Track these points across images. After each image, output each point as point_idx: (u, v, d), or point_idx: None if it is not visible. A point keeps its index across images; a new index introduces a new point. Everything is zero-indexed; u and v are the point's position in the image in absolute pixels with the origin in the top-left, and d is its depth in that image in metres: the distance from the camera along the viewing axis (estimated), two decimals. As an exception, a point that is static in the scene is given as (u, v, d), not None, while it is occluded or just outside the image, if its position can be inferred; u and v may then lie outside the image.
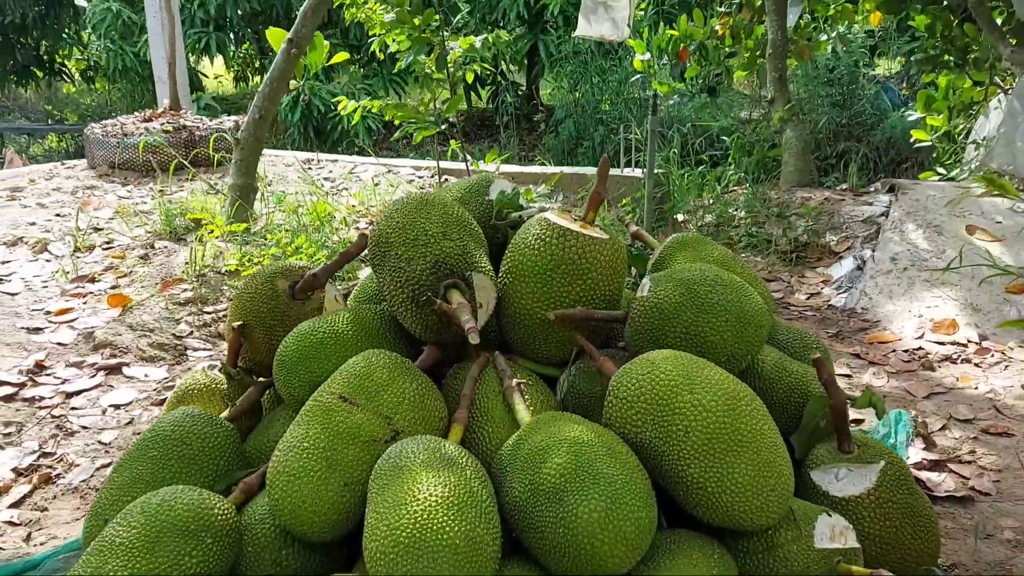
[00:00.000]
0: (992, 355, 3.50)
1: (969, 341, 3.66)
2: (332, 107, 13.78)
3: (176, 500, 1.78)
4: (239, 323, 2.27)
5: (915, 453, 2.71)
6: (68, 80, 20.97)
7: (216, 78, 20.75)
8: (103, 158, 6.30)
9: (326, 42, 4.60)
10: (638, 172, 5.62)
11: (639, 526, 1.57)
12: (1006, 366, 3.41)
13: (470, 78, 5.28)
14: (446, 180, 5.88)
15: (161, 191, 5.79)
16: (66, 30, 19.18)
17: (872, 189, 5.65)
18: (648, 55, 8.31)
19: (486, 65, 5.49)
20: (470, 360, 2.12)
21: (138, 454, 2.04)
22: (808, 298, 4.22)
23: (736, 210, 5.16)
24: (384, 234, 2.09)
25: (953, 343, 3.66)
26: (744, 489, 1.65)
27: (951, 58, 7.99)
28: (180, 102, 7.01)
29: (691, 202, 5.41)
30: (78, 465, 2.58)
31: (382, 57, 13.44)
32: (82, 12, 17.90)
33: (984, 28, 5.70)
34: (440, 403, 1.95)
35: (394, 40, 4.85)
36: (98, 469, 2.56)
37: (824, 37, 8.47)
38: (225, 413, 2.23)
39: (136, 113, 6.96)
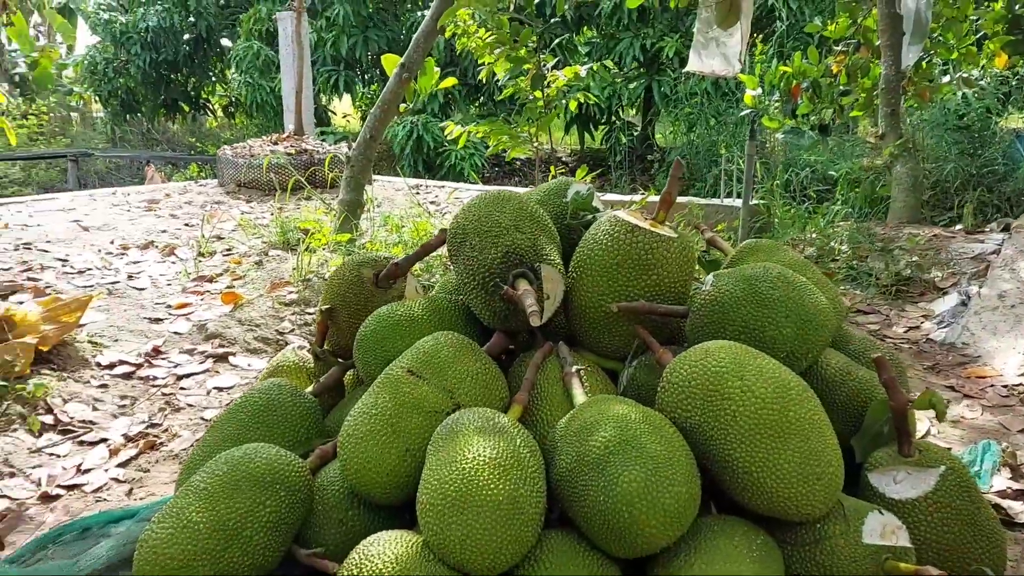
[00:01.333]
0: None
1: (1075, 382, 3.49)
2: (443, 142, 14.28)
3: (256, 454, 1.94)
4: (327, 307, 2.44)
5: (1000, 482, 2.61)
6: (211, 115, 22.48)
7: (344, 116, 21.80)
8: (231, 177, 6.76)
9: (436, 68, 4.84)
10: (739, 203, 5.60)
11: (677, 499, 1.61)
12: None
13: (573, 106, 5.44)
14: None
15: (280, 208, 6.16)
16: (211, 68, 20.61)
17: (987, 229, 5.44)
18: (759, 91, 8.28)
19: (591, 95, 5.62)
20: (536, 349, 2.21)
21: (228, 417, 2.22)
22: (906, 331, 4.11)
23: (839, 243, 5.08)
24: (461, 226, 2.22)
25: (1058, 384, 3.49)
26: (789, 476, 1.67)
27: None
28: (304, 128, 7.45)
29: (793, 235, 5.36)
30: (180, 436, 2.81)
31: (485, 83, 13.82)
32: (227, 51, 19.21)
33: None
34: (502, 384, 2.05)
35: (494, 63, 5.04)
36: (197, 439, 2.78)
37: (947, 79, 8.22)
38: (309, 388, 2.39)
39: (264, 137, 7.44)
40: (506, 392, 2.05)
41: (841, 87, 7.99)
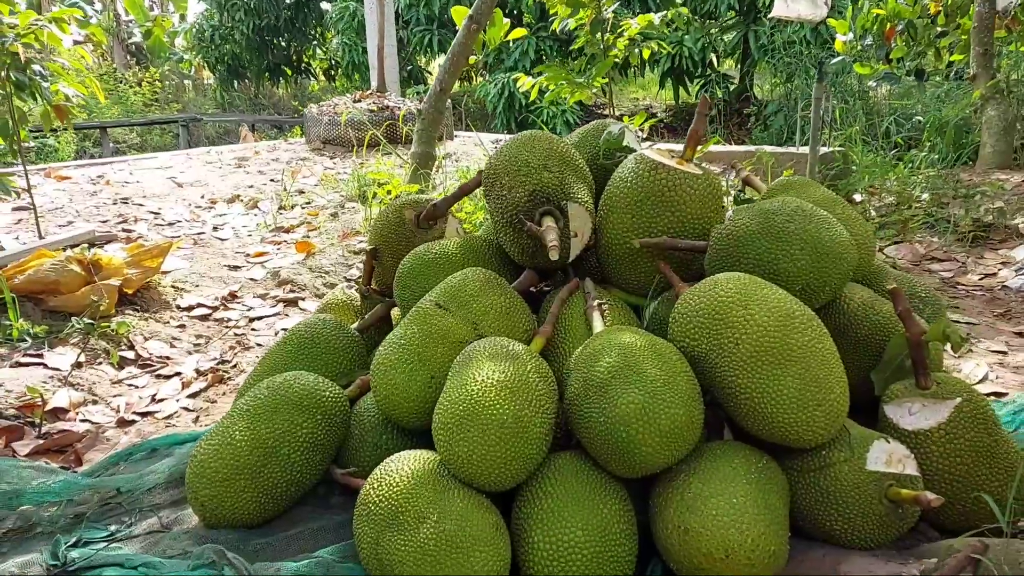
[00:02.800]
0: None
1: None
2: (535, 100, 14.27)
3: (295, 380, 2.09)
4: (372, 247, 2.57)
5: (1054, 426, 2.54)
6: (313, 78, 23.05)
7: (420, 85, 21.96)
8: (316, 134, 7.00)
9: (505, 19, 4.88)
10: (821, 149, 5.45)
11: (674, 421, 1.67)
12: None
13: (647, 54, 5.38)
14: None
15: (361, 163, 6.35)
16: (311, 31, 21.10)
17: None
18: (851, 35, 7.96)
19: (664, 44, 5.55)
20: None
21: (277, 349, 2.38)
22: (981, 279, 3.96)
23: (919, 191, 4.90)
24: (493, 166, 2.30)
25: None
26: (789, 402, 1.70)
27: None
28: (387, 85, 7.62)
29: (873, 183, 5.19)
30: (246, 371, 3.01)
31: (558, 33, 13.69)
32: (326, 14, 19.61)
33: None
34: (528, 318, 2.13)
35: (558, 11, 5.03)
36: (260, 374, 2.99)
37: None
38: (355, 324, 2.53)
39: (348, 95, 7.66)
40: (532, 325, 2.13)
41: (939, 29, 7.60)
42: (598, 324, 2.05)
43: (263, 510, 1.99)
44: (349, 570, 1.79)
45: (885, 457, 1.74)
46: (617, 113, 15.48)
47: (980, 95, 5.46)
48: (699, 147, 2.27)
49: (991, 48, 5.66)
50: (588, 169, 2.38)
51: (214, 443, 1.99)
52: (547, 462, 1.79)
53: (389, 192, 4.49)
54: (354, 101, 7.29)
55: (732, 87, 15.25)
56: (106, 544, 1.96)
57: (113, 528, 2.04)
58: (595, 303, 2.10)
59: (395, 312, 2.65)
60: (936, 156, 5.46)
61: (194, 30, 19.84)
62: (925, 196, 4.82)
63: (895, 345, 1.97)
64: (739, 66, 15.48)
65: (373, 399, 2.18)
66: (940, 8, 7.48)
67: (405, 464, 1.78)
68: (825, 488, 1.75)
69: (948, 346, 1.88)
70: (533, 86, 5.32)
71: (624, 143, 2.43)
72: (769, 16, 7.52)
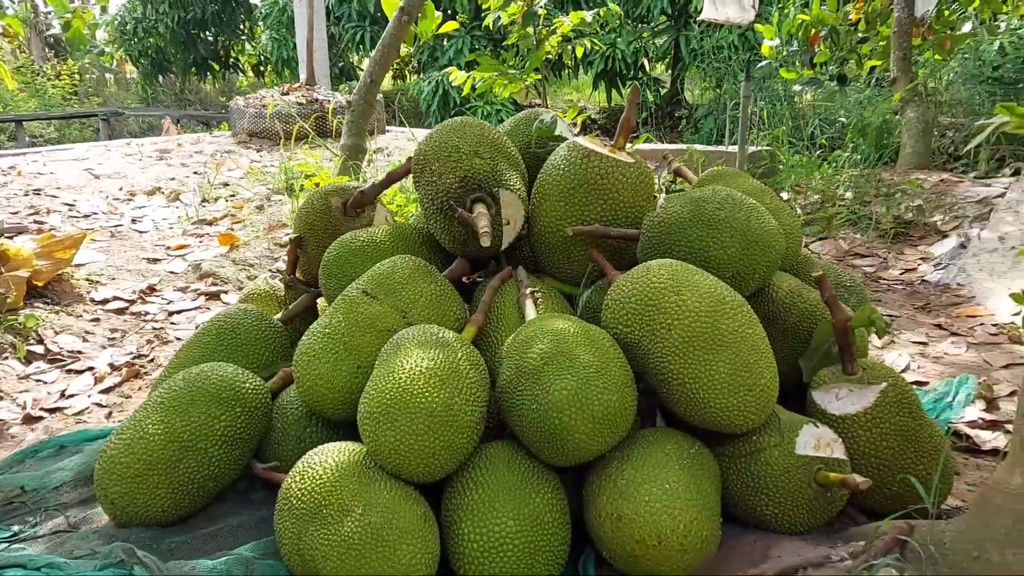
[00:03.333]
0: (1088, 336, 3.29)
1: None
2: (470, 97, 14.19)
3: (213, 371, 2.00)
4: (296, 236, 2.48)
5: (973, 412, 2.60)
6: (241, 73, 22.53)
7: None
8: (242, 127, 6.82)
9: (437, 12, 4.82)
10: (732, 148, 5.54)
11: (607, 407, 1.64)
12: (1103, 347, 3.19)
13: (580, 52, 5.37)
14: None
15: (290, 156, 6.22)
16: (239, 26, 20.61)
17: (999, 175, 5.33)
18: (777, 41, 8.12)
19: (596, 42, 5.55)
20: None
21: (195, 340, 2.28)
22: (902, 273, 4.07)
23: (843, 189, 5.01)
24: (422, 152, 2.24)
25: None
26: (720, 387, 1.69)
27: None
28: (315, 78, 7.48)
29: (798, 182, 5.29)
30: (164, 365, 2.89)
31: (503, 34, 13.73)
32: (254, 8, 19.20)
33: None
34: (459, 307, 2.08)
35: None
36: (180, 369, 2.87)
37: (969, 27, 7.97)
38: (278, 315, 2.44)
39: (276, 87, 7.48)
40: (463, 314, 2.08)
41: (860, 35, 7.81)
42: (531, 312, 2.01)
43: (179, 507, 1.90)
44: (270, 567, 1.71)
45: (814, 441, 1.74)
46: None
47: (900, 98, 5.62)
48: (631, 138, 2.25)
49: (910, 52, 5.83)
50: (520, 157, 2.34)
51: (125, 438, 1.89)
52: (478, 452, 1.75)
53: (317, 184, 4.39)
54: (282, 94, 7.13)
55: (663, 91, 15.45)
56: (8, 545, 1.84)
57: (16, 528, 1.92)
58: (528, 291, 2.06)
59: (321, 302, 2.57)
60: (859, 156, 5.60)
61: (116, 23, 19.19)
62: (848, 194, 4.93)
63: (822, 332, 1.98)
64: (670, 70, 15.69)
65: (296, 391, 2.10)
66: (861, 15, 7.68)
67: (329, 456, 1.72)
68: (756, 473, 1.75)
69: (873, 332, 1.90)
70: (466, 80, 5.26)
71: (556, 132, 2.40)
72: (699, 19, 7.62)
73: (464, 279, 2.29)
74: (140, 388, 2.74)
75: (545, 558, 1.63)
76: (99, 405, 2.60)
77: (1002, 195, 4.66)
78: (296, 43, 15.46)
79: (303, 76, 7.50)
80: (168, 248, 4.07)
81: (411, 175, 2.33)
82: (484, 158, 2.18)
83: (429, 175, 2.19)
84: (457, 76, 5.29)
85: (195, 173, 5.68)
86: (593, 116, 17.16)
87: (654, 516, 1.59)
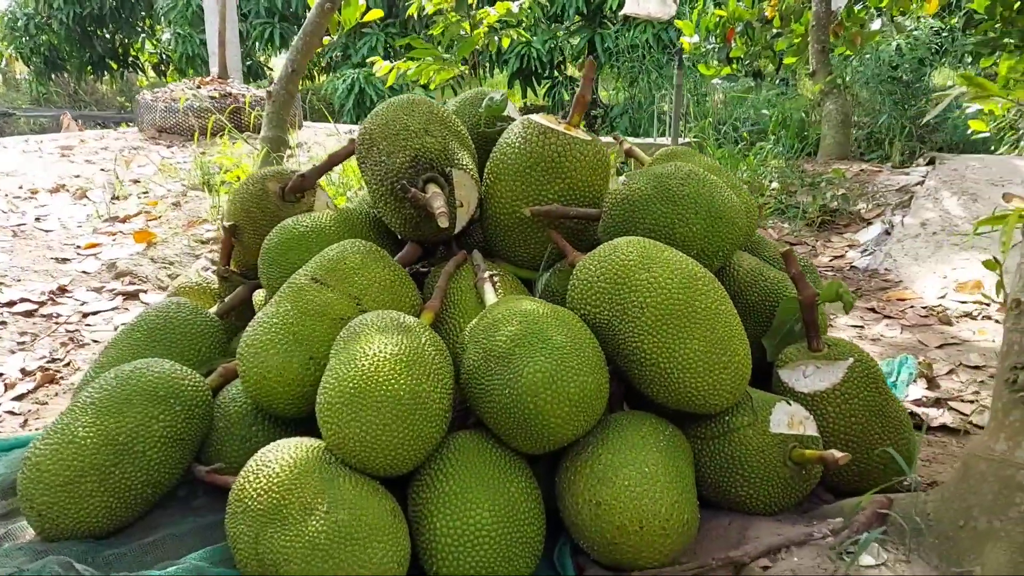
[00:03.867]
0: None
1: (992, 300, 3.55)
2: (386, 94, 13.98)
3: (148, 368, 1.85)
4: (230, 224, 2.33)
5: (916, 391, 2.64)
6: (141, 73, 21.63)
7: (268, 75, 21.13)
8: (151, 122, 6.51)
9: (360, 1, 4.68)
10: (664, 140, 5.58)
11: (583, 389, 1.57)
12: (1029, 323, 3.30)
13: (506, 43, 5.31)
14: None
15: (203, 152, 5.96)
16: (139, 23, 19.80)
17: (914, 164, 5.52)
18: (696, 37, 8.24)
19: (522, 32, 5.50)
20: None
21: (124, 337, 2.11)
22: (831, 260, 4.14)
23: (769, 180, 5.09)
24: (368, 131, 2.12)
25: (975, 302, 3.55)
26: (696, 365, 1.64)
27: (1011, 40, 7.74)
28: (229, 72, 7.20)
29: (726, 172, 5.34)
30: (81, 369, 2.68)
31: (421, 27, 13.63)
32: (155, 4, 18.46)
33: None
34: (413, 292, 1.98)
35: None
36: (101, 372, 2.67)
37: (878, 24, 8.25)
38: (213, 308, 2.29)
39: (186, 80, 7.18)
40: (418, 300, 1.98)
41: (775, 30, 7.99)
42: (490, 296, 1.92)
43: (114, 516, 1.74)
44: (223, 575, 1.58)
45: (787, 419, 1.71)
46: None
47: (820, 90, 5.76)
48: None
49: (827, 46, 5.98)
50: (469, 137, 2.25)
51: (52, 442, 1.72)
52: (445, 442, 1.65)
53: (238, 178, 4.20)
54: (193, 87, 6.84)
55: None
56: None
57: (-72, 548, 1.72)
58: (486, 275, 1.97)
59: (258, 295, 2.42)
60: (781, 148, 5.71)
61: (5, 19, 18.18)
62: (775, 185, 5.01)
63: (785, 311, 1.96)
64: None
65: (239, 387, 1.96)
66: (776, 12, 7.86)
67: (284, 453, 1.59)
68: (730, 454, 1.70)
69: (840, 306, 1.88)
70: (390, 70, 5.14)
71: (505, 112, 2.32)
72: (621, 13, 7.66)
73: (417, 267, 2.18)
74: (57, 394, 2.53)
75: (522, 550, 1.54)
76: (11, 413, 2.39)
77: (920, 183, 4.80)
78: (206, 38, 14.98)
79: (215, 70, 7.22)
80: (78, 247, 3.81)
81: (355, 156, 2.21)
82: (435, 136, 2.08)
83: (377, 155, 2.07)
84: (382, 66, 5.16)
85: (102, 170, 5.37)
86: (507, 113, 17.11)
87: (634, 501, 1.53)
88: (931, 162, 5.22)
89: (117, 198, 4.66)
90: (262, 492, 1.53)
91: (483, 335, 1.69)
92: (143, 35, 20.28)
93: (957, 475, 1.47)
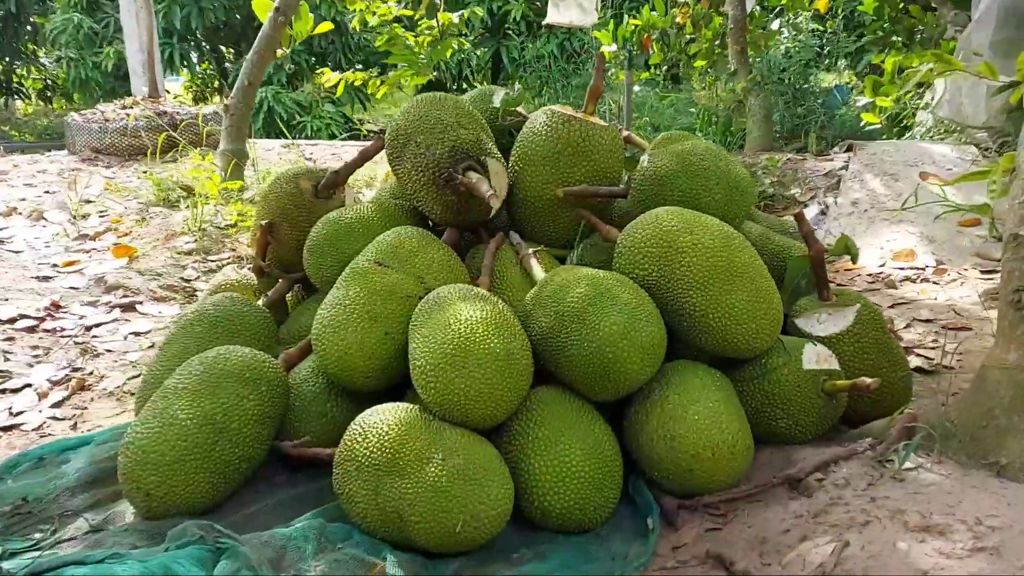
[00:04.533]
0: (949, 274, 3.80)
1: (927, 266, 3.95)
2: (296, 112, 13.93)
3: (231, 353, 1.97)
4: (267, 222, 2.45)
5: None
6: (25, 100, 20.73)
7: (176, 98, 20.61)
8: (85, 143, 6.40)
9: (311, 14, 4.79)
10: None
11: (652, 338, 1.79)
12: (962, 283, 3.70)
13: (449, 54, 5.50)
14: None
15: (145, 171, 5.94)
16: (23, 48, 19.01)
17: (831, 153, 5.97)
18: (615, 46, 8.62)
19: (463, 41, 5.70)
20: (486, 243, 2.32)
21: (183, 332, 2.21)
22: (777, 239, 4.49)
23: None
24: (402, 127, 2.29)
25: (912, 268, 3.95)
26: (741, 314, 1.88)
27: (899, 39, 8.38)
28: (158, 90, 7.14)
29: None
30: (109, 376, 2.74)
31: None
32: (40, 28, 17.77)
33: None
34: (464, 271, 2.15)
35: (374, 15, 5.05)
36: (130, 379, 2.72)
37: (776, 25, 8.77)
38: (261, 300, 2.41)
39: (115, 102, 7.08)
40: (467, 278, 2.15)
41: (688, 36, 8.43)
42: (537, 270, 2.12)
43: (215, 492, 1.86)
44: (340, 528, 1.72)
45: (815, 358, 1.96)
46: (375, 128, 15.49)
47: (742, 88, 6.17)
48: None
49: (745, 47, 6.40)
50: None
51: (153, 426, 1.83)
52: (529, 396, 1.83)
53: (204, 196, 4.24)
54: (123, 108, 6.76)
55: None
56: (39, 553, 1.73)
57: (37, 536, 1.80)
58: (530, 251, 2.17)
59: (288, 296, 2.54)
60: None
61: None
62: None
63: (794, 268, 2.22)
64: (489, 81, 16.10)
65: (308, 370, 2.10)
66: (687, 19, 8.30)
67: (387, 415, 1.75)
68: (769, 391, 1.94)
69: (848, 258, 2.16)
70: (339, 81, 5.26)
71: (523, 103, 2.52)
72: (544, 23, 7.94)
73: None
74: (93, 399, 2.58)
75: (609, 482, 1.75)
76: (55, 419, 2.44)
77: (844, 168, 5.24)
78: (100, 63, 14.57)
79: (143, 88, 7.15)
80: (54, 265, 3.80)
81: (386, 152, 2.37)
82: (468, 129, 2.27)
83: (415, 148, 2.24)
84: (332, 76, 5.28)
85: (47, 192, 5.29)
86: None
87: (705, 432, 1.76)
88: (849, 148, 5.68)
89: (76, 217, 4.63)
90: (375, 449, 1.69)
91: (551, 300, 1.88)
92: (27, 61, 19.47)
93: (974, 385, 1.76)
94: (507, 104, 2.52)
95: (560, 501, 1.70)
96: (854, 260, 2.19)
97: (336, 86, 5.24)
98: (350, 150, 7.00)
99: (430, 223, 2.39)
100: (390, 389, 2.01)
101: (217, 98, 17.86)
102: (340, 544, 1.69)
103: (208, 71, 17.15)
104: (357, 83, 5.19)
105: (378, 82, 5.18)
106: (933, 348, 2.91)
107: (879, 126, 7.75)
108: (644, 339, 1.78)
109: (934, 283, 3.77)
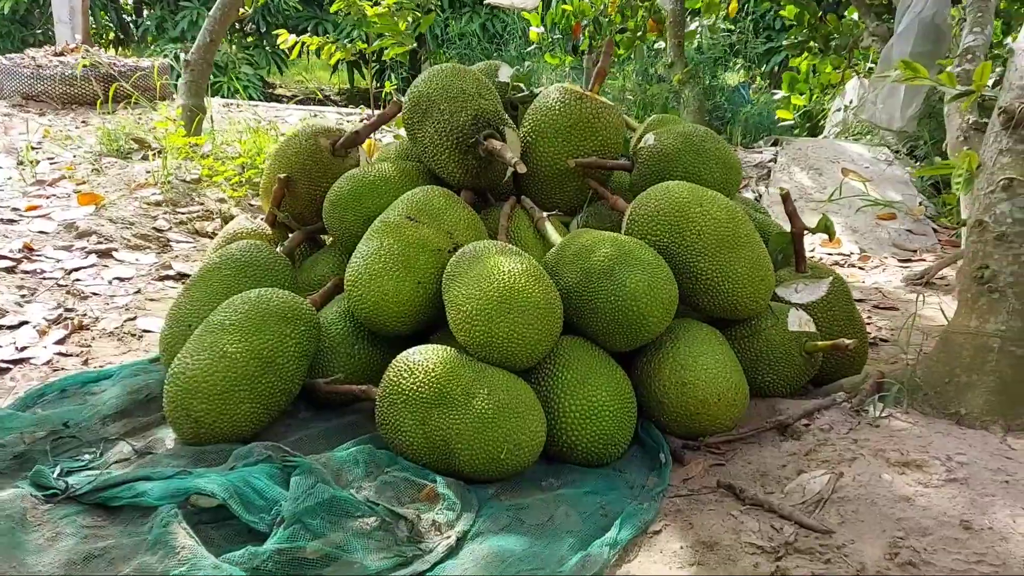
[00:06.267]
0: (872, 261, 4.20)
1: (851, 252, 4.35)
2: (212, 74, 13.58)
3: (272, 295, 2.09)
4: (285, 175, 2.56)
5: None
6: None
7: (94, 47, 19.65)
8: (15, 89, 6.18)
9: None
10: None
11: (671, 295, 2.02)
12: (884, 269, 4.10)
13: (403, 26, 5.57)
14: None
15: (84, 121, 5.80)
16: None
17: (758, 145, 6.38)
18: (542, 28, 8.82)
19: (417, 14, 5.78)
20: (495, 207, 2.50)
21: (211, 274, 2.31)
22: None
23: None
24: (425, 94, 2.44)
25: (839, 254, 4.34)
26: (742, 279, 2.12)
27: (815, 44, 8.90)
28: (89, 39, 6.93)
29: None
30: (106, 317, 2.78)
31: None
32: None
33: (856, 6, 6.52)
34: (485, 229, 2.33)
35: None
36: (128, 320, 2.77)
37: (694, 26, 9.10)
38: (280, 248, 2.51)
39: (45, 47, 6.83)
40: (487, 235, 2.32)
41: (618, 25, 8.71)
42: (552, 232, 2.32)
43: (258, 422, 2.00)
44: (386, 454, 1.88)
45: (798, 321, 2.24)
46: (290, 93, 15.26)
47: (678, 80, 6.49)
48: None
49: (682, 40, 6.72)
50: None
51: (203, 359, 1.94)
52: (557, 343, 2.03)
53: (158, 149, 4.22)
54: (55, 55, 6.54)
55: (404, 75, 15.81)
56: (97, 471, 1.82)
57: (87, 458, 1.90)
58: (544, 215, 2.37)
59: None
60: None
61: None
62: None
63: (776, 242, 2.49)
64: (413, 57, 16.05)
65: (334, 314, 2.24)
66: (615, 9, 8.58)
67: (431, 354, 1.92)
68: (759, 349, 2.21)
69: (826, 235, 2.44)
70: (296, 44, 5.29)
71: (531, 79, 2.70)
72: (485, 2, 8.07)
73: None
74: (94, 338, 2.63)
75: (629, 420, 1.97)
76: (63, 355, 2.48)
77: (772, 160, 5.62)
78: (53, 2, 13.87)
79: (77, 36, 6.92)
80: (16, 209, 3.74)
81: (404, 115, 2.51)
82: (487, 99, 2.44)
83: (438, 115, 2.40)
84: (288, 39, 5.29)
85: (-19, 136, 5.12)
86: (333, 97, 17.09)
87: (713, 380, 2.00)
88: (775, 143, 6.08)
89: (24, 163, 4.53)
90: (422, 384, 1.85)
91: (576, 259, 2.08)
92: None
93: (938, 347, 2.06)
94: (517, 79, 2.70)
95: (586, 436, 1.91)
96: (831, 237, 2.47)
97: (293, 48, 5.25)
98: (295, 113, 7.00)
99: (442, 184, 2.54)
100: (412, 335, 2.18)
101: (113, 51, 17.16)
102: (387, 468, 1.85)
103: (105, 22, 16.38)
104: (313, 48, 5.22)
105: (333, 48, 5.22)
106: (868, 324, 3.25)
107: (792, 122, 8.25)
108: (664, 295, 2.00)
109: (859, 268, 4.16)
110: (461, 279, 1.99)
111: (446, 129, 2.38)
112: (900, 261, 4.26)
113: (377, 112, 3.82)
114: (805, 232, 2.43)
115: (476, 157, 2.37)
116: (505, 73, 2.78)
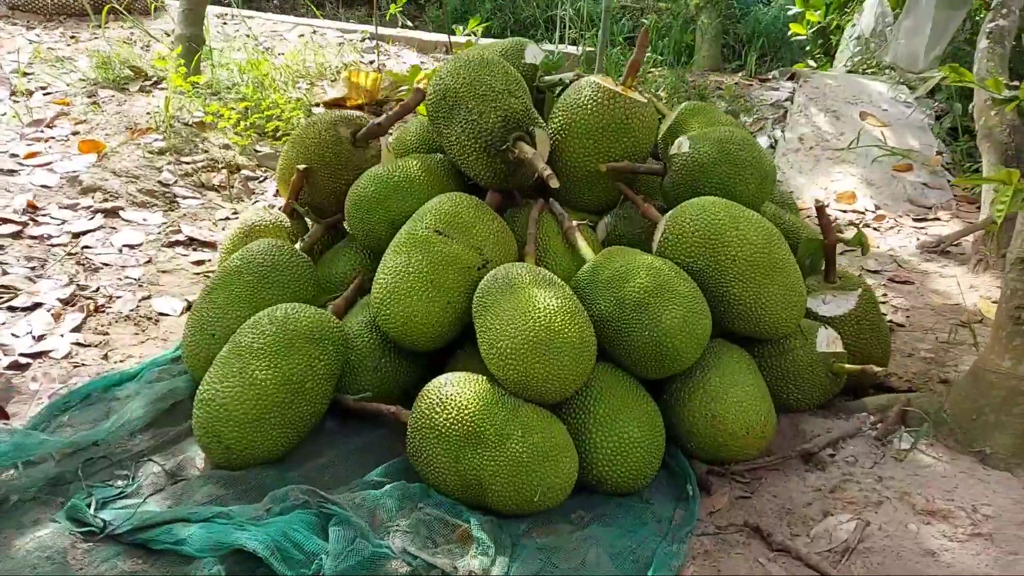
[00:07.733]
0: (887, 221, 4.16)
1: (867, 210, 4.30)
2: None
3: (300, 313, 2.06)
4: (304, 167, 2.47)
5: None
6: None
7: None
8: (0, -2, 5.90)
9: None
10: (572, 49, 5.89)
11: (705, 330, 2.00)
12: (899, 230, 4.07)
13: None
14: (380, 45, 5.91)
15: (74, 37, 5.57)
16: None
17: (771, 77, 6.20)
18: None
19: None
20: (522, 206, 2.43)
21: (232, 278, 2.26)
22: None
23: (658, 90, 5.57)
24: (451, 89, 2.33)
25: (854, 211, 4.29)
26: (775, 305, 2.10)
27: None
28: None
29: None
30: (120, 297, 2.74)
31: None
32: None
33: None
34: (513, 239, 2.28)
35: None
36: (143, 299, 2.73)
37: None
38: (299, 245, 2.46)
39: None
40: (516, 246, 2.27)
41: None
42: (583, 244, 2.27)
43: (289, 444, 2.01)
44: (419, 488, 1.90)
45: (827, 340, 2.23)
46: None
47: (696, 4, 6.24)
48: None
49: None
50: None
51: (233, 385, 1.93)
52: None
53: (158, 81, 4.06)
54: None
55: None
56: (134, 502, 1.83)
57: (120, 484, 1.90)
58: (573, 223, 2.31)
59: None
60: (660, 57, 6.16)
61: None
62: (662, 94, 5.50)
63: (806, 248, 2.45)
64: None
65: (360, 324, 2.21)
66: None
67: (462, 387, 1.91)
68: (786, 369, 2.20)
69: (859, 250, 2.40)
70: None
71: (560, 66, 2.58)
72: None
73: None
74: (110, 323, 2.60)
75: (658, 453, 1.99)
76: (82, 344, 2.46)
77: (789, 99, 5.48)
78: None
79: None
80: (14, 156, 3.62)
81: (429, 108, 2.41)
82: (517, 97, 2.34)
83: (466, 113, 2.30)
84: None
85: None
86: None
87: (744, 412, 2.00)
88: (791, 77, 5.91)
89: (17, 93, 4.36)
90: (455, 421, 1.85)
91: (609, 286, 2.04)
92: None
93: (967, 381, 2.06)
94: (546, 66, 2.59)
95: (616, 471, 1.92)
96: (864, 252, 2.43)
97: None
98: (294, 28, 6.71)
99: (467, 180, 2.47)
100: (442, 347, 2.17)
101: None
102: (420, 503, 1.87)
103: None
104: None
105: None
106: (883, 303, 3.24)
107: (804, 37, 8.02)
108: (699, 330, 1.98)
109: (875, 229, 4.12)
110: (494, 310, 1.96)
111: (474, 131, 2.28)
112: (915, 220, 4.22)
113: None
114: (838, 243, 2.38)
115: (504, 161, 2.29)
116: (531, 54, 2.65)
